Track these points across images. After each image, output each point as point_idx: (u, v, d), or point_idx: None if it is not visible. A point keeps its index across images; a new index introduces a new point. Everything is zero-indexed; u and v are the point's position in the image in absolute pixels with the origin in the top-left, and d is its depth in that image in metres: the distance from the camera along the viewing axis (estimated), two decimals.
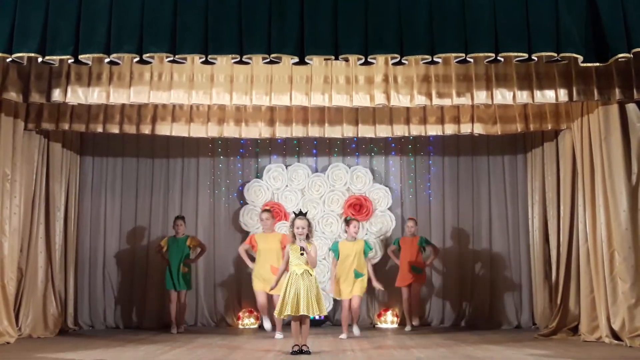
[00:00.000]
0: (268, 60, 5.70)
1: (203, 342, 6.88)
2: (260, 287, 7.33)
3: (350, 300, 7.29)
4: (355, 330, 7.42)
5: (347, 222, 7.56)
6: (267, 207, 8.02)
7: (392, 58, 5.82)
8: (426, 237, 8.45)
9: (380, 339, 7.30)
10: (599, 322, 6.67)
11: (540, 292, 8.13)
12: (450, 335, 7.52)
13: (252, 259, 7.61)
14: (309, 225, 5.89)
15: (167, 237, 8.32)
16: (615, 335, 6.39)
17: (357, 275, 7.30)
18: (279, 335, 7.13)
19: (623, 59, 5.73)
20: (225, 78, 6.67)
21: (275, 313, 5.93)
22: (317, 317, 7.22)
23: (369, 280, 7.44)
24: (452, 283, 8.85)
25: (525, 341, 6.86)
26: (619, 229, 6.41)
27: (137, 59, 5.67)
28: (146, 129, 7.50)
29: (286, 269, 5.89)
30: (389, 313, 8.69)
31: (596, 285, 6.72)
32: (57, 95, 6.49)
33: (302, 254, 5.76)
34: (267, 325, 7.38)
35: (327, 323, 8.67)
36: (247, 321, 8.62)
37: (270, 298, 7.36)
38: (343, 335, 7.14)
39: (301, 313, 5.69)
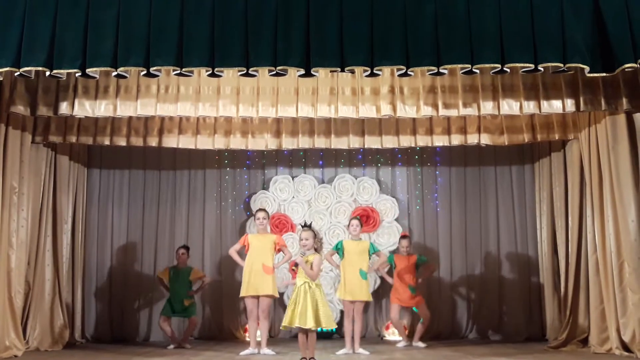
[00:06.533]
0: (274, 72, 5.71)
1: (210, 355, 6.86)
2: (245, 292, 6.90)
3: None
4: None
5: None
6: (263, 208, 7.73)
7: (398, 69, 5.80)
8: (423, 256, 8.10)
9: (388, 352, 7.25)
10: (609, 333, 6.61)
11: (549, 304, 8.08)
12: (458, 347, 7.46)
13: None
14: (315, 237, 5.88)
15: (167, 268, 8.10)
16: (625, 347, 6.33)
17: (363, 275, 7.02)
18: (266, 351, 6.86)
19: (630, 69, 5.71)
20: (231, 90, 6.69)
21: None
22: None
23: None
24: (460, 295, 8.81)
25: (534, 353, 6.81)
26: (627, 239, 6.36)
27: (144, 72, 5.69)
28: (153, 142, 7.52)
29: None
30: None
31: (606, 296, 6.67)
32: (64, 108, 6.52)
33: (293, 269, 5.74)
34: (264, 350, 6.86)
35: (336, 336, 8.62)
36: None
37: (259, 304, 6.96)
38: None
39: (295, 325, 5.68)
